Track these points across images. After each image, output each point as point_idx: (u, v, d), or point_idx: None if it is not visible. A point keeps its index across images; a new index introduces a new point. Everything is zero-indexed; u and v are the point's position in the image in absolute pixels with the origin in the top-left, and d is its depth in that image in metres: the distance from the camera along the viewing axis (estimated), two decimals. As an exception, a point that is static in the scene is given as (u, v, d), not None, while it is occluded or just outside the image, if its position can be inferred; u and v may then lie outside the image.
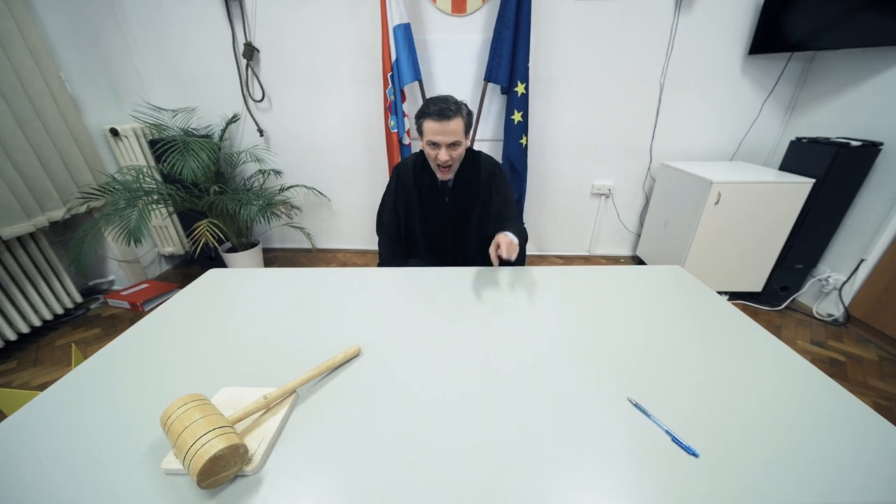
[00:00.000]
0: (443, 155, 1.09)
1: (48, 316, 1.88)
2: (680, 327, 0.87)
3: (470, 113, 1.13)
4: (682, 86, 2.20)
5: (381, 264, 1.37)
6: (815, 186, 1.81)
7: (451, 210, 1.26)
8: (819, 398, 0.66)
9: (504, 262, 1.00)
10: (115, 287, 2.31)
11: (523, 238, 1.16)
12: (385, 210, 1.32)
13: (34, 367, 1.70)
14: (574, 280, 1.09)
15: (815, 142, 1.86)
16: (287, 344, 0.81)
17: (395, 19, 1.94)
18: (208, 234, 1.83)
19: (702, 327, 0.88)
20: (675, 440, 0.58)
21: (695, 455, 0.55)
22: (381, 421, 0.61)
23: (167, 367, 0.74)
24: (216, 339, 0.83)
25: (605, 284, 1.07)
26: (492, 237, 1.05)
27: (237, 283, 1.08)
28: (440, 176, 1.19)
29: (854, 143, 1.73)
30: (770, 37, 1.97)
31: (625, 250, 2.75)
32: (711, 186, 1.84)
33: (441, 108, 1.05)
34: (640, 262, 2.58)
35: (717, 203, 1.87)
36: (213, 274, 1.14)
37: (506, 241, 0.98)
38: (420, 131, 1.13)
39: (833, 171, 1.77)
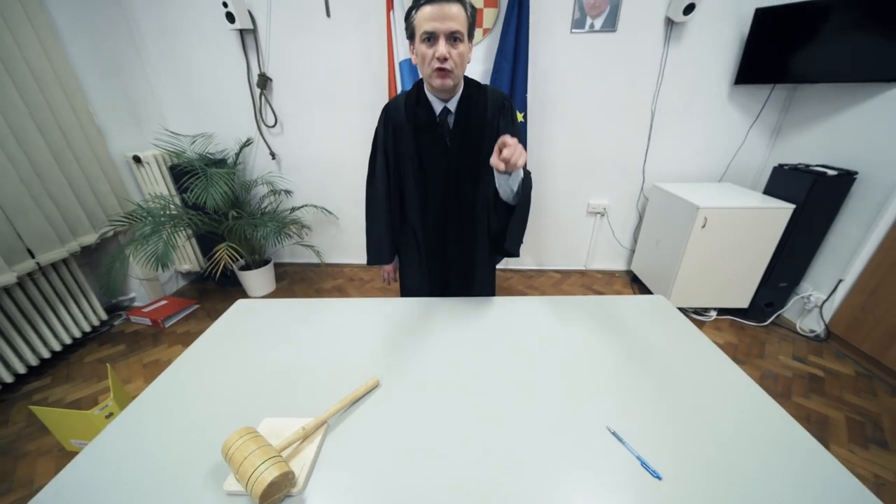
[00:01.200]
0: (441, 48, 0.86)
1: (77, 334, 2.01)
2: (658, 357, 0.99)
3: (473, 8, 0.91)
4: (672, 112, 2.33)
5: (367, 240, 1.24)
6: (795, 211, 1.93)
7: (453, 158, 1.04)
8: (773, 430, 0.78)
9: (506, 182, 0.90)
10: (136, 303, 2.44)
11: (528, 185, 0.97)
12: (377, 163, 1.12)
13: (66, 383, 1.83)
14: (567, 310, 1.21)
15: (795, 169, 1.98)
16: (314, 374, 0.93)
17: (400, 55, 2.07)
18: (227, 257, 1.96)
19: (677, 358, 0.99)
20: (644, 464, 0.70)
21: (658, 478, 0.67)
22: (399, 445, 0.73)
23: (213, 399, 0.86)
24: (251, 371, 0.95)
25: (594, 315, 1.18)
26: (497, 232, 1.00)
27: (263, 315, 1.20)
28: (438, 82, 0.92)
29: (831, 172, 1.85)
30: (753, 69, 2.09)
31: (620, 265, 2.87)
32: (698, 211, 1.96)
33: None
34: (634, 277, 2.70)
35: (703, 227, 1.99)
36: (240, 305, 1.27)
37: (512, 141, 0.78)
38: (411, 34, 0.92)
39: (812, 198, 1.89)
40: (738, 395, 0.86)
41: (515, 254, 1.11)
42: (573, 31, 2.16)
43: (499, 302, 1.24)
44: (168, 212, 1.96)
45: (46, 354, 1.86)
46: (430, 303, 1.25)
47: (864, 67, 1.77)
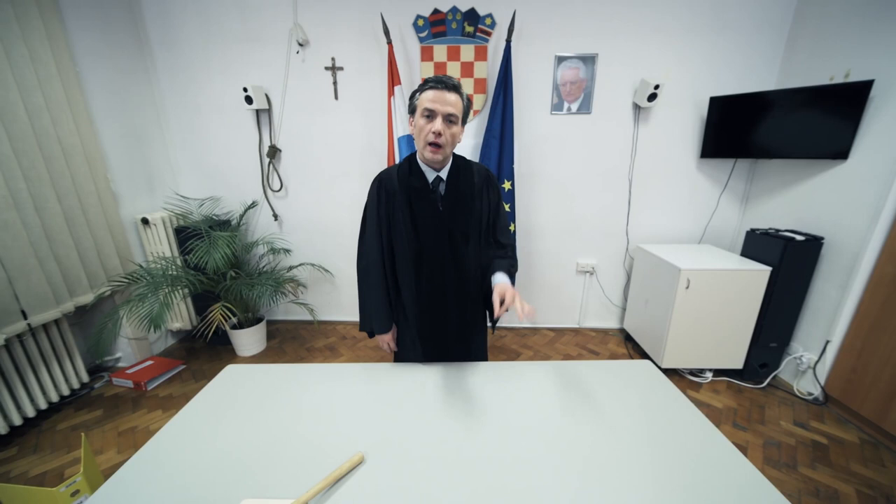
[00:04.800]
0: (437, 124, 0.99)
1: (55, 398, 1.93)
2: (642, 423, 0.98)
3: (469, 101, 1.07)
4: (647, 181, 2.54)
5: (362, 311, 1.26)
6: (772, 273, 2.02)
7: (446, 220, 1.12)
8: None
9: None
10: (122, 364, 2.38)
11: (515, 269, 1.19)
12: (367, 232, 1.17)
13: (33, 454, 1.72)
14: (557, 377, 1.22)
15: (766, 234, 2.11)
16: (297, 449, 0.91)
17: (399, 131, 2.30)
18: (221, 317, 1.97)
19: (661, 424, 0.99)
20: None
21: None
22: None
23: (192, 477, 0.83)
24: (234, 445, 0.93)
25: (583, 380, 1.19)
26: (487, 269, 1.10)
27: (250, 382, 1.19)
28: (429, 155, 1.04)
29: (799, 237, 1.98)
30: (714, 146, 2.33)
31: (613, 323, 2.89)
32: (681, 273, 2.05)
33: (441, 79, 1.01)
34: (627, 335, 2.71)
35: (687, 287, 2.06)
36: (229, 371, 1.26)
37: (511, 293, 1.00)
38: (412, 109, 1.06)
39: (785, 261, 1.99)
40: (726, 469, 0.86)
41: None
42: (553, 112, 2.44)
43: (489, 368, 1.25)
44: (168, 273, 2.01)
45: (18, 421, 1.77)
46: (418, 369, 1.25)
47: (808, 147, 1.99)
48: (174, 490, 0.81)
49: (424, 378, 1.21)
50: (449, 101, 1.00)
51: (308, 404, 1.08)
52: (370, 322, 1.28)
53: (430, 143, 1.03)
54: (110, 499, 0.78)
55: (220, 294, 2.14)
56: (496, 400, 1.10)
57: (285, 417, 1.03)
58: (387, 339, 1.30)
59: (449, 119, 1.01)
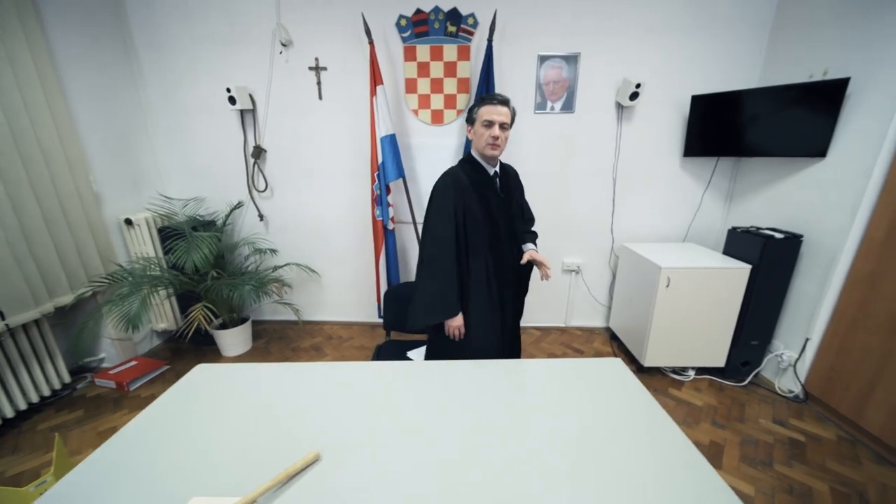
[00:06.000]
0: (496, 130, 1.29)
1: (35, 399, 1.93)
2: (604, 421, 0.99)
3: (514, 111, 1.37)
4: (631, 179, 2.54)
5: (425, 302, 1.38)
6: (752, 271, 2.03)
7: (505, 204, 1.44)
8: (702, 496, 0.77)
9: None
10: (105, 364, 2.38)
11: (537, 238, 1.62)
12: (441, 222, 1.34)
13: (12, 455, 1.72)
14: (522, 375, 1.22)
15: (747, 232, 2.12)
16: (253, 448, 0.91)
17: (381, 131, 2.30)
18: (202, 317, 1.97)
19: (623, 422, 0.99)
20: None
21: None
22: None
23: (145, 475, 0.84)
24: (191, 444, 0.93)
25: (550, 378, 1.20)
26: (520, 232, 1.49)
27: (219, 381, 1.20)
28: (490, 152, 1.33)
29: (778, 235, 1.99)
30: (697, 145, 2.34)
31: (598, 322, 2.89)
32: (661, 271, 2.05)
33: (497, 96, 1.33)
34: (612, 334, 2.71)
35: (667, 286, 2.06)
36: (199, 370, 1.26)
37: (543, 257, 1.42)
38: (472, 119, 1.36)
39: (765, 259, 2.00)
40: (681, 465, 0.86)
41: None
42: (536, 111, 2.44)
43: (456, 367, 1.25)
44: (149, 272, 2.01)
45: (-3, 423, 1.77)
46: (385, 368, 1.26)
47: (788, 145, 2.00)
48: (127, 487, 0.81)
49: (391, 377, 1.22)
50: (502, 112, 1.31)
51: (272, 404, 1.09)
52: (445, 306, 1.37)
53: (492, 144, 1.32)
54: (63, 497, 0.79)
55: (202, 294, 2.14)
56: (459, 398, 1.10)
57: (247, 417, 1.03)
58: (458, 324, 1.39)
59: (502, 125, 1.31)
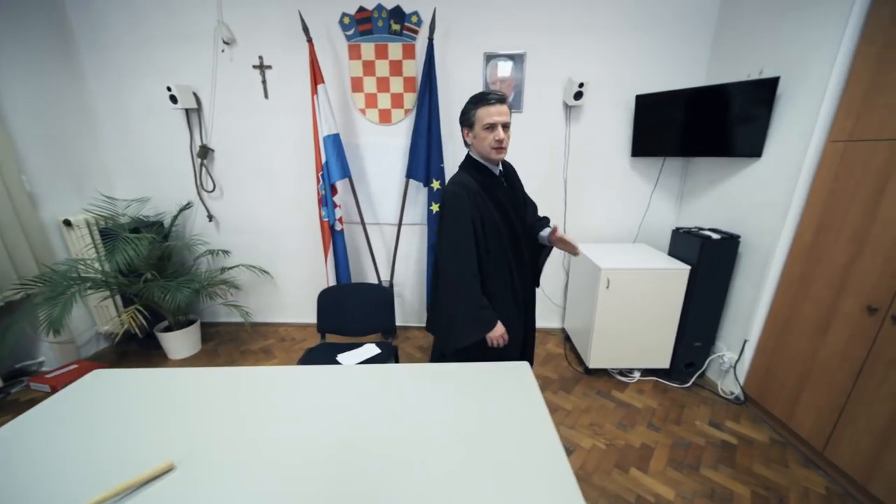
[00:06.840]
0: (500, 132, 1.22)
1: (-41, 404, 1.89)
2: (491, 424, 0.96)
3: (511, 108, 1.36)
4: (581, 180, 2.52)
5: (462, 320, 1.32)
6: (692, 272, 2.01)
7: (513, 200, 1.40)
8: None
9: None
10: (45, 368, 2.33)
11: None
12: (463, 237, 1.27)
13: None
14: (423, 378, 1.19)
15: (688, 232, 2.10)
16: (108, 459, 0.88)
17: (324, 130, 2.27)
18: (132, 321, 1.93)
19: (508, 425, 0.97)
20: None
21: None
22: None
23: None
24: (45, 453, 0.90)
25: (455, 382, 1.17)
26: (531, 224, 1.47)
27: (106, 389, 1.16)
28: (496, 156, 1.27)
29: (715, 236, 1.97)
30: (642, 145, 2.32)
31: (555, 323, 2.87)
32: (601, 272, 2.03)
33: (495, 94, 1.22)
34: (566, 336, 2.69)
35: (608, 287, 2.04)
36: (94, 376, 1.23)
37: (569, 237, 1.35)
38: (471, 123, 1.26)
39: (703, 259, 1.98)
40: (548, 471, 0.83)
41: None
42: (484, 111, 2.41)
43: (354, 372, 1.23)
44: (77, 274, 1.98)
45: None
46: (275, 373, 1.22)
47: (728, 144, 1.98)
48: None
49: (271, 380, 1.18)
50: (505, 112, 1.23)
51: (143, 411, 1.05)
52: (480, 325, 1.31)
53: (496, 148, 1.26)
54: None
55: (134, 296, 2.10)
56: (348, 403, 1.08)
57: (114, 427, 1.00)
58: (500, 332, 1.33)
59: (505, 126, 1.24)
